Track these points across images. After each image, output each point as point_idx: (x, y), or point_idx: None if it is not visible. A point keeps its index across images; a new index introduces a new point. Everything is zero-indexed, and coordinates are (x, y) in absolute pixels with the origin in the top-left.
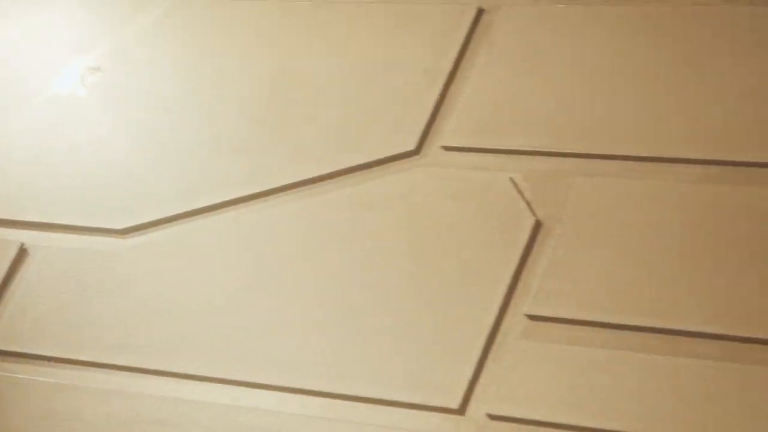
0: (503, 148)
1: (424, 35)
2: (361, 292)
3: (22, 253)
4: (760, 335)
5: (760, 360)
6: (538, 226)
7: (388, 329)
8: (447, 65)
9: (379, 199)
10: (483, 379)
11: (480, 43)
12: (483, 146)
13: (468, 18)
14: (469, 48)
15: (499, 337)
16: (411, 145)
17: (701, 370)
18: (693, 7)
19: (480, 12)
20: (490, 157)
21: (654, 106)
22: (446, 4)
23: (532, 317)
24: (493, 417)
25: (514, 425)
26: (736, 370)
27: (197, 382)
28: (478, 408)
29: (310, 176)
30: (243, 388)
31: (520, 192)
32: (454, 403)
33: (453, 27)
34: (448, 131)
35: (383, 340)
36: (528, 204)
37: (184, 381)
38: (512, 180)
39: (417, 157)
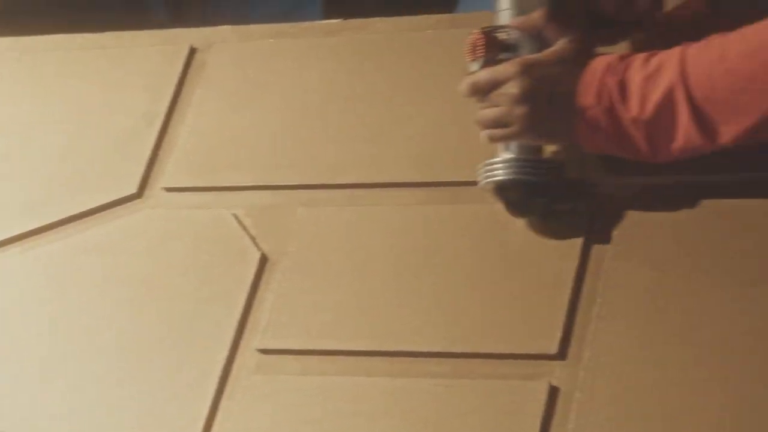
0: (224, 185)
1: (139, 78)
2: (89, 340)
3: None
4: (485, 350)
5: (486, 374)
6: (264, 260)
7: (121, 376)
8: (163, 107)
9: (102, 246)
10: (219, 417)
11: (195, 82)
12: (204, 185)
13: (181, 58)
14: (184, 88)
15: (232, 374)
16: (132, 189)
17: (433, 389)
18: (402, 33)
19: (193, 51)
20: (212, 195)
21: (371, 133)
22: (159, 46)
23: (264, 351)
24: None
25: None
26: (466, 386)
27: None
28: None
29: (32, 227)
30: None
31: (244, 228)
32: None
33: (167, 68)
34: (169, 172)
35: (116, 387)
36: (252, 239)
37: None
38: (235, 216)
39: (139, 200)
